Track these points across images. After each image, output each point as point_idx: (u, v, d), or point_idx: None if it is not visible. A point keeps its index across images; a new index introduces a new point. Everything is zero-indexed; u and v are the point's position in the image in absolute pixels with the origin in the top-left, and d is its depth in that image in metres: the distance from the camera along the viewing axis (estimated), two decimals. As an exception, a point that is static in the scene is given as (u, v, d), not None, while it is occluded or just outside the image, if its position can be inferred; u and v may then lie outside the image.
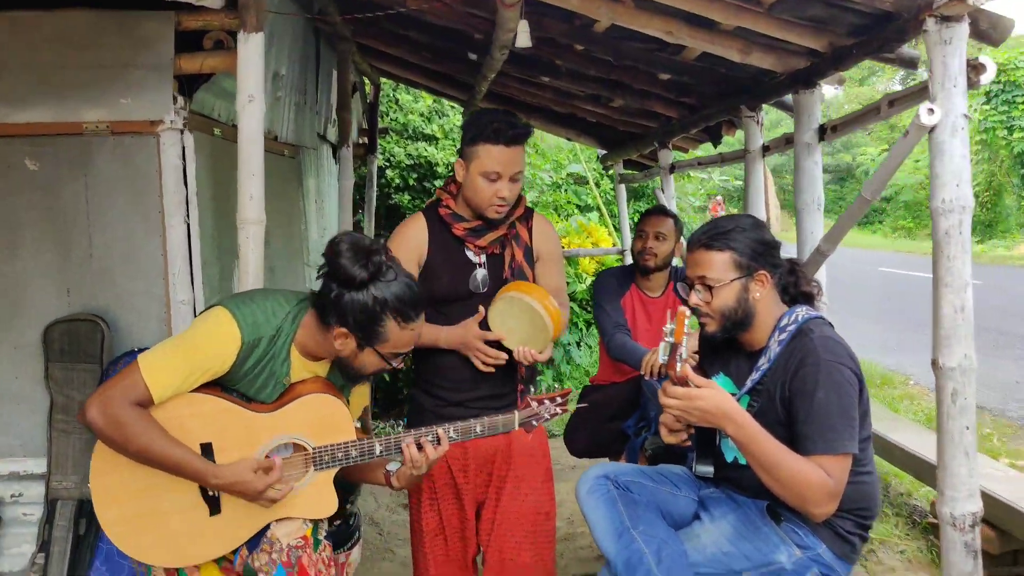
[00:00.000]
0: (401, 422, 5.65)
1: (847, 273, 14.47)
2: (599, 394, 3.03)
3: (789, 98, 2.65)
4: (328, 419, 1.75)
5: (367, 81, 5.22)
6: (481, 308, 2.05)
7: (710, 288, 1.81)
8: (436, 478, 2.17)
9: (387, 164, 6.14)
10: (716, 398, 1.64)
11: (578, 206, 7.56)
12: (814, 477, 1.62)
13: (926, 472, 3.41)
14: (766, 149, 3.02)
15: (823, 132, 2.48)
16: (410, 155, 6.21)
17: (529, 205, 2.24)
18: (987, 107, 17.68)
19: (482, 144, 2.02)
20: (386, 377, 6.03)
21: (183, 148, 2.30)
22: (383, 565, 3.35)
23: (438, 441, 1.78)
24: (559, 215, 7.21)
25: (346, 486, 3.12)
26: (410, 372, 5.90)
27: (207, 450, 1.67)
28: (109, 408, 1.56)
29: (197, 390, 1.65)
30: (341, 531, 3.11)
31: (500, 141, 2.00)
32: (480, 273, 2.11)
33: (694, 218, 8.80)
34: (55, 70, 2.25)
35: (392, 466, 1.85)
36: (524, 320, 1.99)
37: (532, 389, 1.93)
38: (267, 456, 1.72)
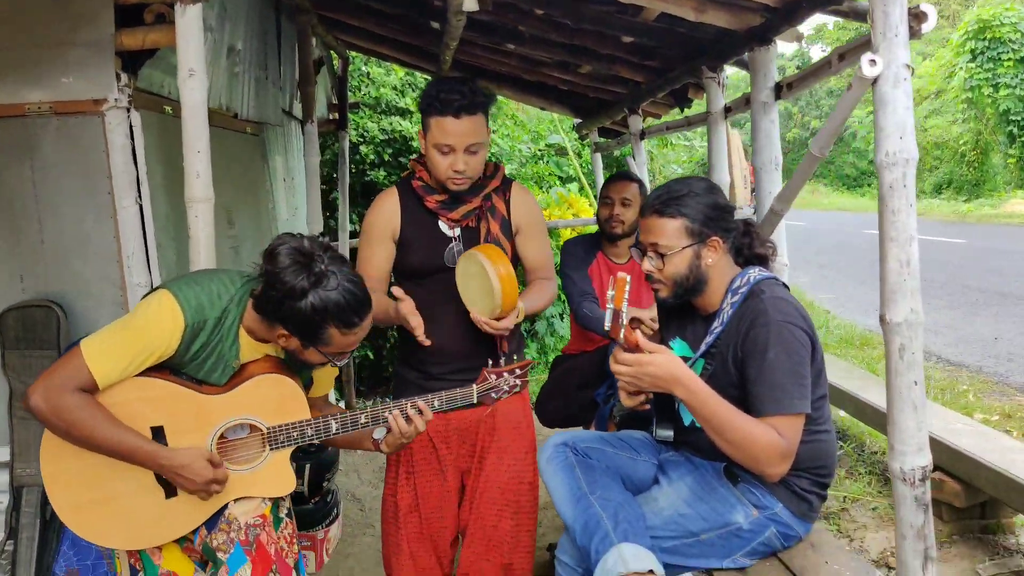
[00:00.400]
0: (387, 399, 5.66)
1: (833, 236, 14.54)
2: (569, 363, 3.04)
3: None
4: (281, 398, 1.74)
5: (335, 55, 5.12)
6: (397, 291, 2.02)
7: (662, 255, 1.79)
8: (415, 451, 2.16)
9: (361, 140, 6.05)
10: (665, 363, 1.64)
11: (559, 177, 7.51)
12: (765, 438, 1.63)
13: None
14: (728, 110, 2.99)
15: (779, 90, 2.47)
16: (384, 130, 6.12)
17: (509, 176, 2.19)
18: (973, 65, 17.58)
19: (433, 116, 1.97)
20: (370, 355, 6.02)
21: (130, 127, 2.25)
22: (364, 540, 3.38)
23: (407, 418, 1.77)
24: (540, 187, 7.16)
25: (323, 463, 3.16)
26: (394, 349, 5.91)
27: (158, 433, 1.65)
28: (52, 395, 1.55)
29: (145, 373, 1.63)
30: (319, 508, 3.14)
31: (448, 112, 1.94)
32: (454, 247, 2.08)
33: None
34: (-8, 51, 2.20)
35: (378, 434, 1.86)
36: (478, 280, 1.96)
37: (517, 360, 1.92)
38: (222, 436, 1.71)
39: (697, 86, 3.65)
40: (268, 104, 3.72)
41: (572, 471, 1.87)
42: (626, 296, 1.63)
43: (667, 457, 1.99)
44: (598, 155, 5.70)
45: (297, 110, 4.33)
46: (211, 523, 1.73)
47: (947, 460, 3.00)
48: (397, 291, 2.02)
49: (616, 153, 6.89)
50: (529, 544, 2.23)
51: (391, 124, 6.14)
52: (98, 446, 1.59)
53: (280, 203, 4.06)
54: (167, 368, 1.67)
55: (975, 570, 2.86)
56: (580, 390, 2.89)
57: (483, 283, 1.94)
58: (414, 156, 2.20)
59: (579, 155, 7.68)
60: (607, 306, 1.65)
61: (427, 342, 2.00)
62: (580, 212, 6.76)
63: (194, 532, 1.74)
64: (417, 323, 1.99)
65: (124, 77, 2.24)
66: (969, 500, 3.02)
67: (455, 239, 2.09)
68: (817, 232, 15.05)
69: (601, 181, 5.79)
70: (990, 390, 5.08)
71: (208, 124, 2.05)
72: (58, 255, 2.30)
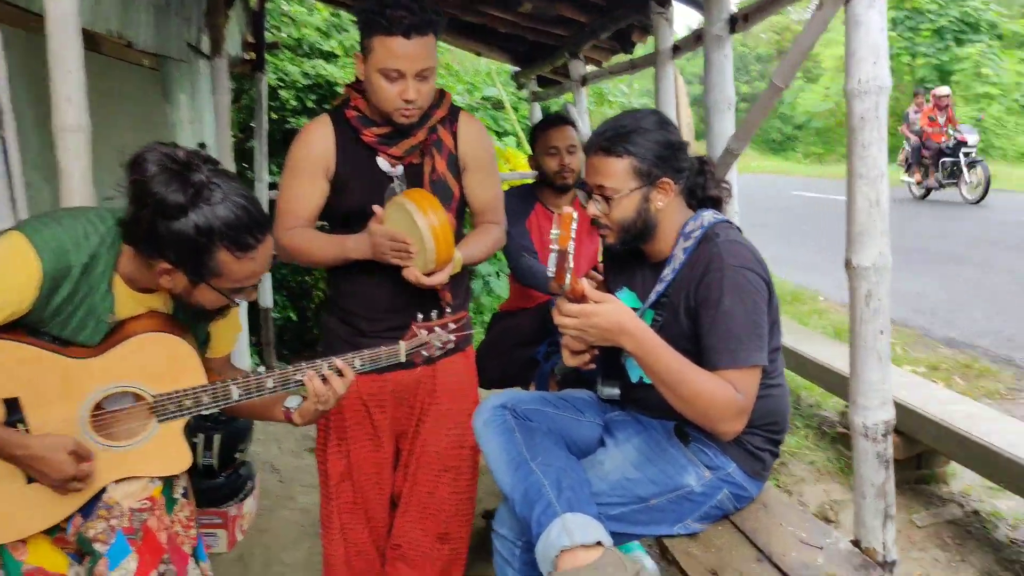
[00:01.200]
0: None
1: (762, 197, 14.82)
2: (508, 321, 2.86)
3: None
4: (169, 361, 1.47)
5: (249, -12, 4.68)
6: (376, 208, 1.77)
7: (608, 199, 1.63)
8: (348, 417, 1.97)
9: (281, 84, 5.62)
10: (613, 312, 1.47)
11: (496, 132, 7.26)
12: (720, 393, 1.49)
13: (836, 383, 3.46)
14: (676, 50, 2.79)
15: (734, 23, 2.28)
16: (306, 74, 5.70)
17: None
18: (892, 34, 18.16)
19: (377, 36, 1.71)
20: (293, 316, 5.68)
21: (-14, 44, 1.87)
22: (282, 514, 3.12)
23: (324, 379, 1.54)
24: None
25: (235, 433, 2.88)
26: (319, 311, 5.60)
27: (15, 407, 1.37)
28: None
29: (-7, 335, 1.33)
30: (231, 483, 2.87)
31: (397, 32, 1.68)
32: (396, 187, 1.84)
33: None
34: None
35: (291, 402, 1.62)
36: (407, 231, 1.73)
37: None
38: (98, 406, 1.44)
39: (642, 29, 3.45)
40: (170, 35, 3.32)
41: (511, 435, 1.69)
42: (572, 235, 1.43)
43: (613, 417, 1.84)
44: (536, 104, 5.47)
45: (206, 46, 3.91)
46: (87, 509, 1.47)
47: (886, 412, 3.01)
48: (378, 209, 1.76)
49: (556, 107, 6.68)
50: (468, 512, 2.08)
51: (314, 68, 5.72)
52: None
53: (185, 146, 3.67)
54: (22, 327, 1.37)
55: (911, 520, 2.87)
56: (519, 349, 2.71)
57: (413, 235, 1.72)
58: (349, 82, 1.91)
59: (516, 109, 7.43)
60: (550, 247, 1.45)
61: (426, 282, 1.77)
62: (517, 167, 6.54)
63: (67, 520, 1.47)
64: (399, 247, 1.74)
65: (-26, -18, 1.87)
66: (906, 452, 3.04)
67: (396, 178, 1.85)
68: (746, 194, 15.30)
69: (540, 134, 5.56)
70: (916, 343, 5.21)
71: (83, 43, 1.72)
72: (-103, 195, 1.93)
